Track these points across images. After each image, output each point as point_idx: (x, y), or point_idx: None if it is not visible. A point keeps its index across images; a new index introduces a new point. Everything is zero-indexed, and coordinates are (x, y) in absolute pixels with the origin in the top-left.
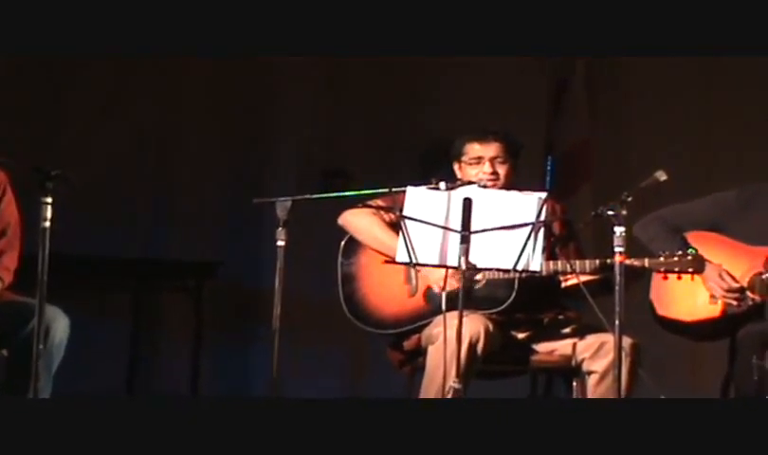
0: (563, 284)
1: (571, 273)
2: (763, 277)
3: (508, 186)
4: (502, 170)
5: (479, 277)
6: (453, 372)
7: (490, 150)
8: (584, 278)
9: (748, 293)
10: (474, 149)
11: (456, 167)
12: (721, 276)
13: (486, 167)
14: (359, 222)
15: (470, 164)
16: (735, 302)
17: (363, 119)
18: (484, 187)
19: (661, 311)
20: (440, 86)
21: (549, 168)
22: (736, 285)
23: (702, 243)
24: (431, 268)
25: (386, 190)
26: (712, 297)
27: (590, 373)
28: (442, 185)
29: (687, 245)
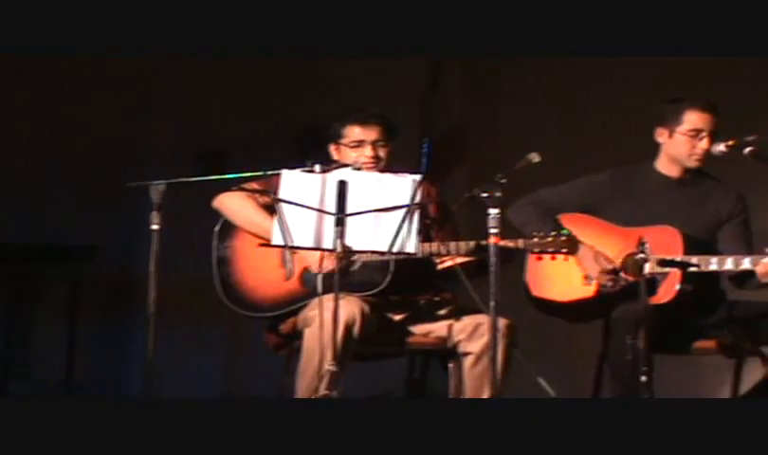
0: (439, 266)
1: (446, 255)
2: (636, 258)
3: (385, 169)
4: (383, 153)
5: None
6: (330, 354)
7: (372, 133)
8: (459, 259)
9: (621, 274)
10: (355, 132)
11: (333, 149)
12: (596, 257)
13: (368, 151)
14: (234, 204)
15: (351, 147)
16: (610, 283)
17: (240, 104)
18: (359, 169)
19: (536, 292)
20: (317, 70)
21: (425, 150)
22: (610, 266)
23: (575, 224)
24: (308, 251)
25: (261, 173)
26: (586, 278)
27: (466, 354)
28: (317, 167)
29: (561, 227)
